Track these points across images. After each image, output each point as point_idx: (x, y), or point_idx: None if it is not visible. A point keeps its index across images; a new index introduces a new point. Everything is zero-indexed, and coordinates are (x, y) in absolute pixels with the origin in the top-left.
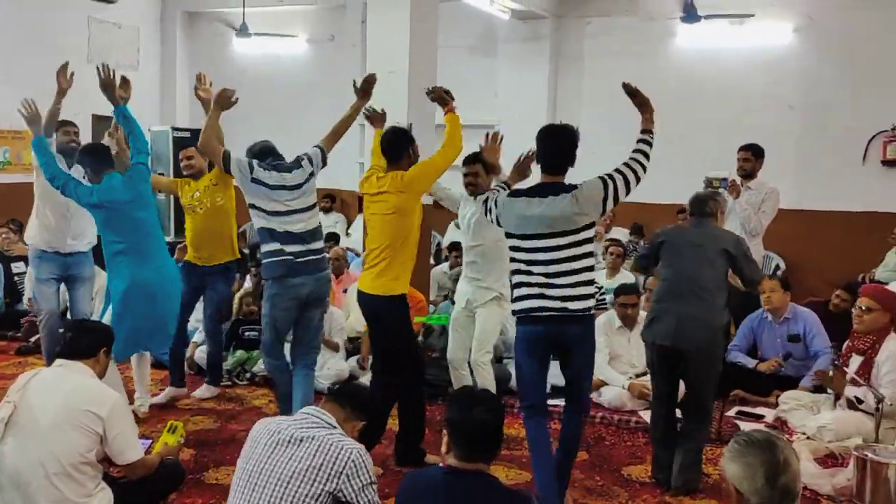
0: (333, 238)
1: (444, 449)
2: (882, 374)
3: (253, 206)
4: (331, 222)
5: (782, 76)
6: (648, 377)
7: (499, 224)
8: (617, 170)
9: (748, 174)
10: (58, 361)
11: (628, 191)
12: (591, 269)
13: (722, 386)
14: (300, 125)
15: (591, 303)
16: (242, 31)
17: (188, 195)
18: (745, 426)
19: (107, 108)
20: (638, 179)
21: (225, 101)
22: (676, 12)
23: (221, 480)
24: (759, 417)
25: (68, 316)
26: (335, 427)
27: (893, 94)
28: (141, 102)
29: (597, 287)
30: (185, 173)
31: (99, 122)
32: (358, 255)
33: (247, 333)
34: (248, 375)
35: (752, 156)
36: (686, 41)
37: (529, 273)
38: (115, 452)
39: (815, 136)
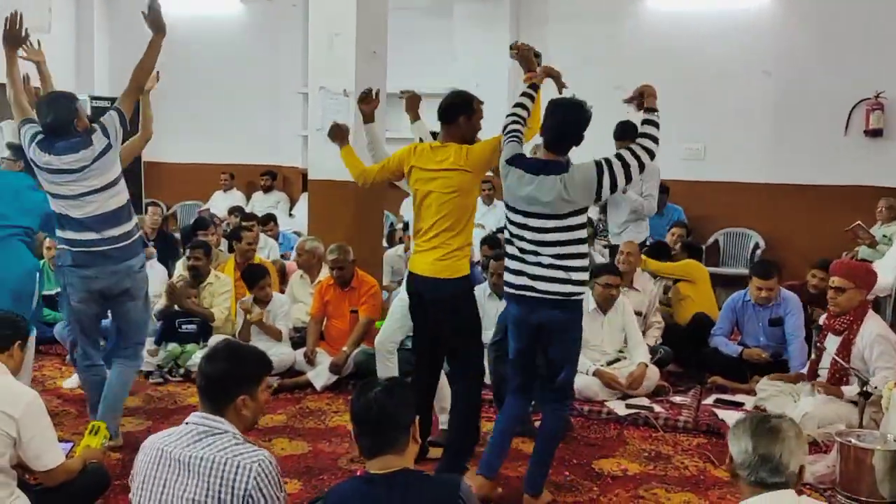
0: (272, 219)
1: None
2: (873, 359)
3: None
4: (272, 202)
5: (758, 41)
6: (619, 364)
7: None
8: (618, 154)
9: None
10: None
11: (629, 178)
12: (579, 256)
13: (700, 372)
14: (236, 91)
15: (569, 288)
16: None
17: None
18: (723, 414)
19: None
20: (642, 166)
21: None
22: None
23: None
24: (737, 405)
25: None
26: (225, 431)
27: (877, 60)
28: (54, 69)
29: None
30: None
31: None
32: (300, 236)
33: (184, 326)
34: (181, 371)
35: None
36: (657, 3)
37: (511, 244)
38: (30, 456)
39: (794, 105)
